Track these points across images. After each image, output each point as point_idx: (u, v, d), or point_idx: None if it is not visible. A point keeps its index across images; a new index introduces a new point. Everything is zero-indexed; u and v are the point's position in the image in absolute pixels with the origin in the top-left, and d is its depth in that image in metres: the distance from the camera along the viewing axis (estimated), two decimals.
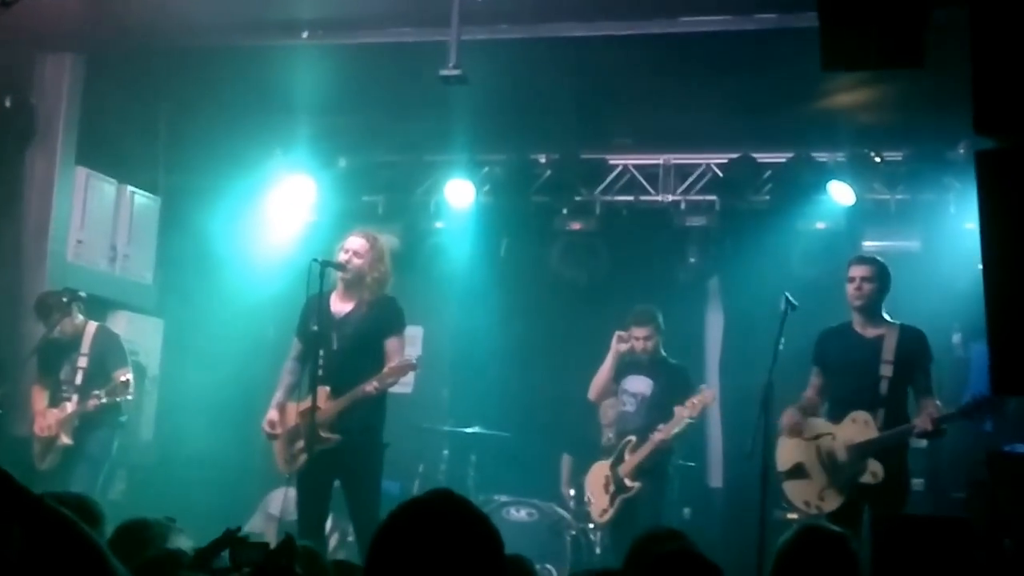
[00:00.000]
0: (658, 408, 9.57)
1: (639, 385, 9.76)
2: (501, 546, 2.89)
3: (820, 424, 8.32)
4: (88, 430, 9.49)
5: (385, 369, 8.20)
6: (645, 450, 9.47)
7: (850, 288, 8.32)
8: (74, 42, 10.54)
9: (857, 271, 8.33)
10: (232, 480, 11.70)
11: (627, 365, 9.87)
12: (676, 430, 9.39)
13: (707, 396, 9.47)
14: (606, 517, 9.71)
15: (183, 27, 9.75)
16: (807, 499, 8.25)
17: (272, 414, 8.58)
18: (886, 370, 8.05)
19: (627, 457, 9.57)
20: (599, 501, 9.78)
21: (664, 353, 9.81)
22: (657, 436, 9.41)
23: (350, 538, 10.50)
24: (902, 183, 11.20)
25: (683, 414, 9.33)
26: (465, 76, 8.60)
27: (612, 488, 9.66)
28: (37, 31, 9.98)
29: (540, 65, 10.07)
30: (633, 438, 9.59)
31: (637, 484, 9.50)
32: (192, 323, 11.84)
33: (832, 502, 8.12)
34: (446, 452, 11.01)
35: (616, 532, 9.64)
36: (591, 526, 10.14)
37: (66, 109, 10.68)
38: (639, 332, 9.75)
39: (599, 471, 9.83)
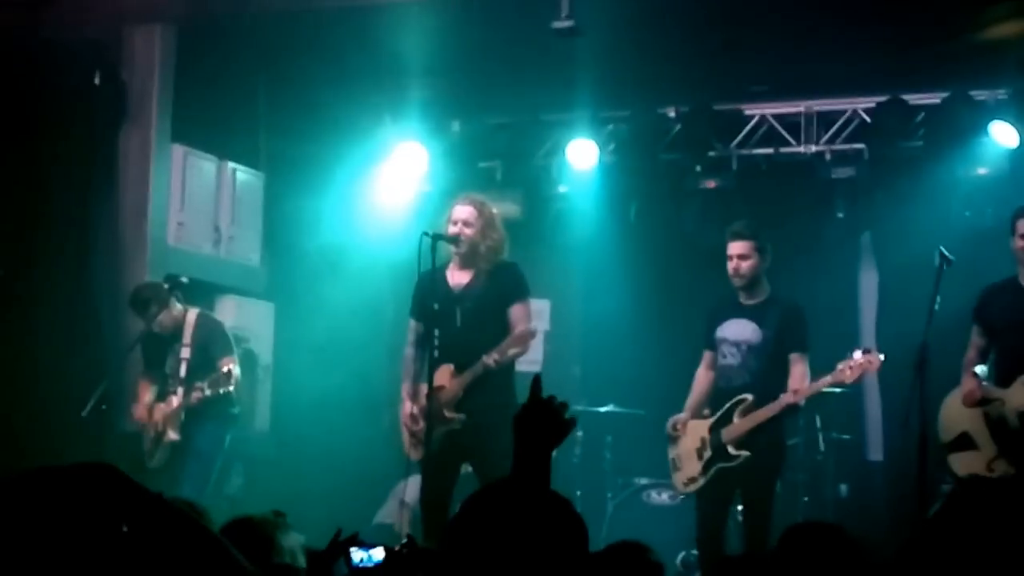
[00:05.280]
0: (770, 360, 8.40)
1: (742, 330, 8.56)
2: (582, 532, 2.85)
3: (986, 389, 8.05)
4: (196, 424, 9.47)
5: (506, 340, 8.12)
6: (764, 413, 8.26)
7: (1019, 243, 8.01)
8: (163, 12, 10.56)
9: None
10: (357, 469, 11.69)
11: (723, 306, 8.78)
12: (811, 392, 8.31)
13: (872, 361, 8.11)
14: (693, 487, 8.64)
15: None
16: (975, 471, 7.96)
17: (408, 406, 8.49)
18: None
19: (736, 420, 8.37)
20: (688, 467, 8.66)
21: (770, 287, 8.64)
22: (787, 398, 8.22)
23: None
24: None
25: (839, 377, 8.12)
26: (578, 27, 8.47)
27: (708, 454, 8.51)
28: (124, 3, 10.03)
29: (663, 9, 9.85)
30: (749, 397, 8.35)
31: (744, 453, 8.32)
32: (304, 305, 11.79)
33: (1003, 473, 7.84)
34: (580, 433, 10.88)
35: (705, 503, 8.62)
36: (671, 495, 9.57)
37: (159, 84, 10.60)
38: (734, 248, 8.54)
39: (694, 432, 8.65)
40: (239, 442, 10.07)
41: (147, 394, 9.78)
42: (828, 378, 8.26)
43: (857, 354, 8.17)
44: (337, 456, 11.52)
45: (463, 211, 8.39)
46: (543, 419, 3.32)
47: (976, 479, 4.51)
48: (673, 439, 8.83)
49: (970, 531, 3.86)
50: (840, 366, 8.16)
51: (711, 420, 8.60)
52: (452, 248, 8.35)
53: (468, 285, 8.40)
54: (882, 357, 8.18)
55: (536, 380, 3.47)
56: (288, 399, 11.69)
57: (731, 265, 8.56)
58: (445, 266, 8.45)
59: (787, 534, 4.47)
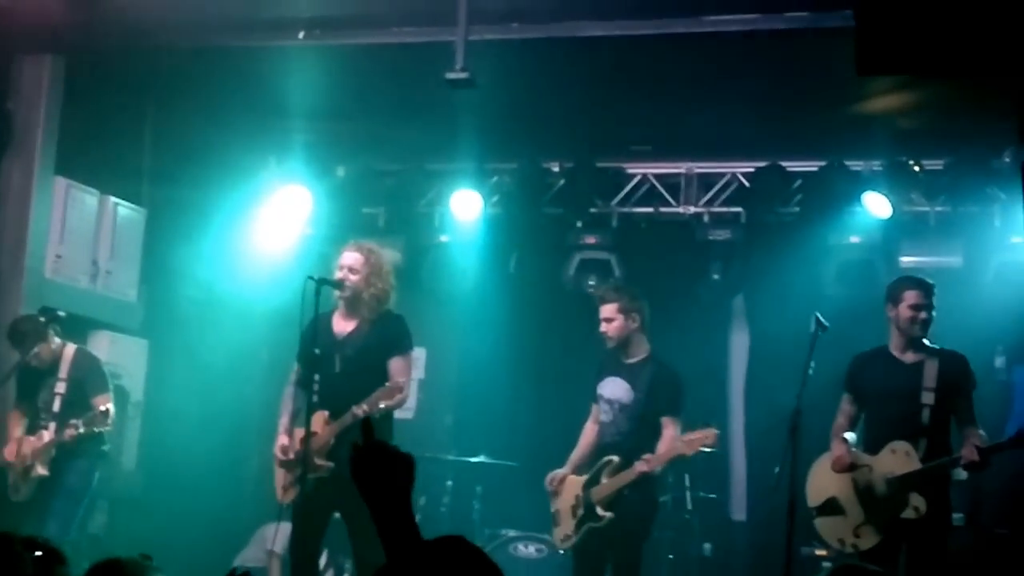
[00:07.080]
0: (640, 420, 8.54)
1: (616, 389, 8.72)
2: None
3: (855, 455, 8.19)
4: (66, 460, 9.34)
5: (377, 391, 8.09)
6: (625, 478, 8.40)
7: (906, 313, 8.13)
8: (53, 43, 10.41)
9: (916, 296, 8.11)
10: (222, 511, 11.60)
11: (606, 363, 8.88)
12: (663, 464, 8.46)
13: (708, 436, 8.27)
14: (568, 544, 8.79)
15: (170, 26, 9.67)
16: (841, 536, 8.10)
17: (283, 439, 8.46)
18: (927, 398, 7.91)
19: (603, 480, 8.52)
20: (564, 524, 8.82)
21: (649, 347, 8.82)
22: (640, 467, 8.32)
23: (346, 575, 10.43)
24: (943, 194, 11.05)
25: (676, 448, 8.30)
26: (472, 79, 8.52)
27: (580, 512, 8.67)
28: (13, 32, 9.89)
29: (553, 67, 9.95)
30: (615, 459, 8.51)
31: (609, 515, 8.45)
32: (179, 344, 11.69)
33: (869, 539, 7.97)
34: (450, 483, 10.90)
35: (580, 562, 8.77)
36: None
37: (44, 115, 10.43)
38: (602, 311, 8.73)
39: (571, 488, 8.81)
40: (105, 480, 9.92)
41: (17, 428, 9.62)
42: (670, 451, 8.41)
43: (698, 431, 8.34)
44: (203, 498, 11.40)
45: (350, 257, 8.40)
46: (378, 463, 3.26)
47: (852, 568, 4.57)
48: (553, 494, 8.95)
49: None
50: (684, 437, 8.36)
51: (585, 478, 8.73)
52: (336, 293, 8.34)
53: (351, 333, 8.38)
54: (716, 432, 8.32)
55: (366, 423, 3.41)
56: (157, 438, 11.53)
57: (601, 327, 8.76)
58: (332, 312, 8.44)
59: None
